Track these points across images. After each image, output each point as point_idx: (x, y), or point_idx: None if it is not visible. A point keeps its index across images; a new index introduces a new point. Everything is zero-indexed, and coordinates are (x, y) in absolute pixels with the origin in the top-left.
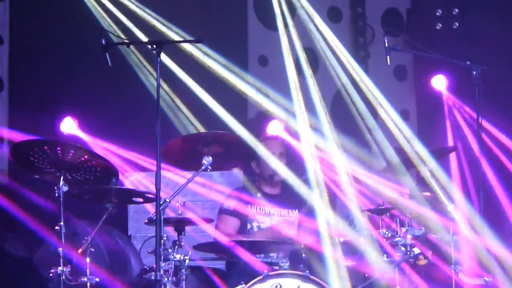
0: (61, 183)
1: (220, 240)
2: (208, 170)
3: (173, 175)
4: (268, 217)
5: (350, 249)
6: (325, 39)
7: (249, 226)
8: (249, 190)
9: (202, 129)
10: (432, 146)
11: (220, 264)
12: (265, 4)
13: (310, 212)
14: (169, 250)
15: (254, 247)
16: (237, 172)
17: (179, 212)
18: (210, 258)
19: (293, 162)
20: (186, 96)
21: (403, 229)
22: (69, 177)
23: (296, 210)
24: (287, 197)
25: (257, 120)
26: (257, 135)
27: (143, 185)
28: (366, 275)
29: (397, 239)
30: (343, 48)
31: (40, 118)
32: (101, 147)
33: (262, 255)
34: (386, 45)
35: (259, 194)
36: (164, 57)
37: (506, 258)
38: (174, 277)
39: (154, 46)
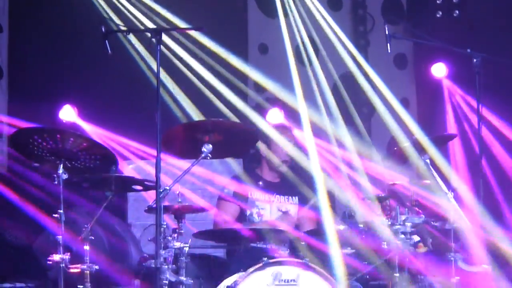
0: (60, 171)
1: (220, 227)
2: (208, 158)
3: (173, 163)
4: (268, 203)
5: (349, 237)
6: (325, 28)
7: (248, 213)
8: (249, 177)
9: (202, 117)
10: (432, 134)
11: (220, 252)
12: None
13: (315, 207)
14: (169, 238)
15: (254, 235)
16: (236, 160)
17: (179, 200)
18: (209, 246)
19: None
20: (186, 83)
21: (403, 217)
22: (69, 165)
23: (296, 197)
24: (287, 184)
25: (257, 108)
26: (258, 123)
27: (143, 173)
28: (366, 262)
29: (396, 226)
30: (344, 36)
31: (39, 106)
32: (100, 135)
33: (262, 243)
34: (387, 33)
35: (260, 182)
36: (164, 45)
37: (504, 246)
38: (174, 265)
39: (154, 34)
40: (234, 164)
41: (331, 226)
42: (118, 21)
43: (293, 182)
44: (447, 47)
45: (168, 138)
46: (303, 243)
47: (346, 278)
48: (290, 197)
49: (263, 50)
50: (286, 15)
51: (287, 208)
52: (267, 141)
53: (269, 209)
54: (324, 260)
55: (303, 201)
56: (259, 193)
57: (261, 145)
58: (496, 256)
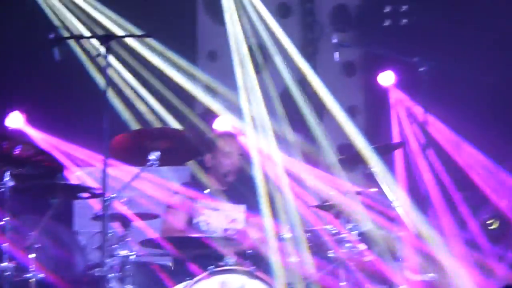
0: (7, 178)
1: (166, 236)
2: (156, 165)
3: (120, 171)
4: (215, 211)
5: (295, 245)
6: (274, 35)
7: (195, 221)
8: (197, 185)
9: (149, 125)
10: (379, 142)
11: (166, 260)
12: None
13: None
14: (115, 246)
15: (200, 243)
16: (185, 167)
17: (125, 208)
18: (156, 254)
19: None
20: (134, 91)
21: (349, 226)
22: (15, 172)
23: (243, 205)
24: (235, 192)
25: (205, 116)
26: (206, 131)
27: (89, 181)
28: (310, 271)
29: (342, 235)
30: (292, 43)
31: None
32: (48, 141)
33: (208, 252)
34: (335, 41)
35: (207, 190)
36: (112, 52)
37: (447, 255)
38: (119, 273)
39: (103, 41)
40: (183, 171)
41: (278, 234)
42: (66, 27)
43: (240, 190)
44: (394, 55)
45: (116, 145)
46: (250, 251)
47: (291, 286)
48: (237, 205)
49: (212, 57)
50: (235, 22)
51: (234, 216)
52: (212, 150)
53: (216, 217)
54: (270, 268)
55: (250, 208)
56: (207, 201)
57: (207, 154)
58: (437, 264)
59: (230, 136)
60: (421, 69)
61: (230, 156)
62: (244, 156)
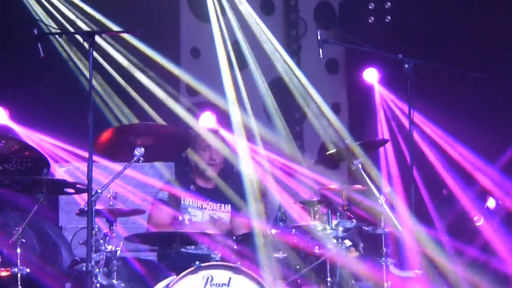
0: None
1: (152, 231)
2: (140, 161)
3: (105, 166)
4: (200, 210)
5: (281, 241)
6: (257, 32)
7: (181, 218)
8: (183, 182)
9: (134, 120)
10: (363, 139)
11: (152, 256)
12: None
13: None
14: (101, 241)
15: (186, 239)
16: (170, 164)
17: (111, 203)
18: (141, 250)
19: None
20: (118, 86)
21: (335, 222)
22: (0, 168)
23: (229, 205)
24: (220, 192)
25: (189, 112)
26: (190, 127)
27: (74, 176)
28: (297, 267)
29: (328, 231)
30: (276, 40)
31: None
32: (32, 137)
33: (193, 247)
34: (319, 38)
35: (192, 187)
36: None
37: (433, 251)
38: (105, 268)
39: (86, 37)
40: (164, 168)
41: (263, 231)
42: (50, 24)
43: (226, 189)
44: (378, 52)
45: (100, 141)
46: (235, 247)
47: (277, 282)
48: (223, 205)
49: (195, 54)
50: (218, 19)
51: (219, 216)
52: (193, 145)
53: (201, 215)
54: (256, 264)
55: (236, 209)
56: (192, 199)
57: (189, 150)
58: (426, 261)
59: (209, 131)
60: (406, 66)
61: (209, 150)
62: (227, 152)
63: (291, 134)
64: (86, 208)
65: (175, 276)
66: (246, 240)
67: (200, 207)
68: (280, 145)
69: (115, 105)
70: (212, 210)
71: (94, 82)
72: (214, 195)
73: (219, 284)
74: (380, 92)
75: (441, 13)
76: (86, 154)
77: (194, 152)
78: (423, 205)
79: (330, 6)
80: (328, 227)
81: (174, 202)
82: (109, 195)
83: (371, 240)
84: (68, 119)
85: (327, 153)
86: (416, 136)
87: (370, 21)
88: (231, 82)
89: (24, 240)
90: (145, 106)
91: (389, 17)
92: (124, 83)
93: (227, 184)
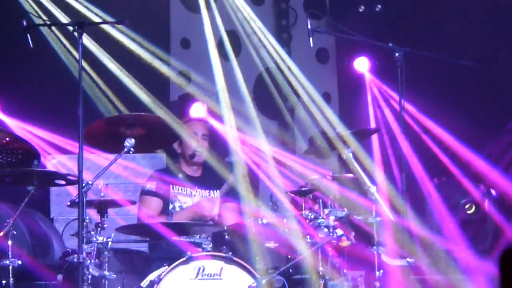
0: None
1: (143, 222)
2: (131, 152)
3: (96, 157)
4: (189, 197)
5: (272, 231)
6: (247, 22)
7: (171, 207)
8: (171, 172)
9: (124, 111)
10: (354, 128)
11: (143, 247)
12: None
13: (230, 192)
14: (92, 232)
15: (177, 229)
16: (160, 154)
17: (102, 194)
18: (133, 240)
19: (217, 145)
20: (108, 78)
21: (326, 211)
22: None
23: (218, 191)
24: (209, 178)
25: (179, 102)
26: (180, 117)
27: (65, 168)
28: (289, 256)
29: (319, 220)
30: (266, 30)
31: None
32: (23, 129)
33: (185, 237)
34: (309, 27)
35: (180, 175)
36: (86, 39)
37: (426, 239)
38: (96, 260)
39: (76, 28)
40: (157, 158)
41: (254, 220)
42: (40, 14)
43: (215, 175)
44: (369, 41)
45: (91, 132)
46: (227, 237)
47: (269, 272)
48: (211, 191)
49: (185, 44)
50: (208, 9)
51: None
52: (177, 137)
53: (191, 202)
54: (247, 253)
55: (225, 194)
56: (181, 187)
57: None
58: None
59: (196, 120)
60: (396, 54)
61: (195, 137)
62: (217, 139)
63: (283, 123)
64: (77, 200)
65: (166, 267)
66: (237, 228)
67: (190, 194)
68: (272, 134)
69: (106, 96)
70: (202, 196)
71: (83, 73)
72: (203, 182)
73: (211, 274)
74: (370, 81)
75: (432, 2)
76: (76, 146)
77: (180, 142)
78: (416, 193)
79: None
80: (319, 216)
81: (162, 191)
82: (100, 186)
83: (362, 229)
84: (58, 110)
85: (318, 142)
86: (406, 124)
87: (360, 10)
88: (222, 72)
89: (15, 232)
90: (136, 96)
91: (380, 6)
92: (114, 73)
93: (217, 173)
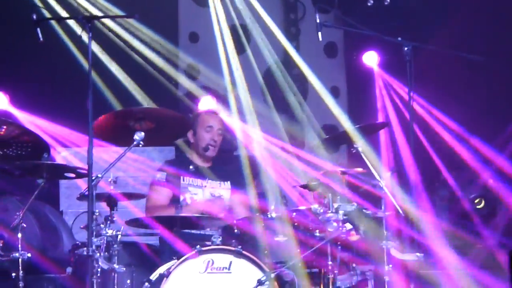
0: None
1: (152, 214)
2: (140, 145)
3: (105, 151)
4: (200, 189)
5: (282, 225)
6: (256, 16)
7: (182, 198)
8: (181, 163)
9: (133, 105)
10: (362, 123)
11: (153, 240)
12: None
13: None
14: (101, 225)
15: (186, 223)
16: (169, 148)
17: (111, 188)
18: (142, 234)
19: (225, 138)
20: (118, 72)
21: (335, 205)
22: (0, 153)
23: (228, 182)
24: (219, 169)
25: (188, 96)
26: (189, 111)
27: (75, 161)
28: (298, 250)
29: (329, 214)
30: (274, 24)
31: None
32: (32, 122)
33: (194, 230)
34: (317, 21)
35: (191, 167)
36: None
37: (437, 234)
38: (106, 253)
39: (85, 22)
40: (167, 151)
41: (264, 213)
42: (50, 8)
43: (224, 167)
44: (378, 35)
45: (100, 126)
46: (236, 230)
47: (278, 266)
48: (222, 182)
49: (194, 38)
50: (217, 3)
51: (219, 193)
52: (194, 126)
53: (201, 194)
54: (256, 247)
55: (235, 185)
56: (191, 178)
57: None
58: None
59: (211, 112)
60: (405, 49)
61: (210, 131)
62: (226, 133)
63: (291, 117)
64: (86, 193)
65: (176, 260)
66: (247, 222)
67: (200, 185)
68: (282, 128)
69: (116, 89)
70: (212, 188)
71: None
72: (213, 173)
73: (220, 267)
74: (379, 75)
75: None
76: (86, 139)
77: (194, 132)
78: (424, 186)
79: None
80: (329, 211)
81: (173, 180)
82: (109, 179)
83: (371, 223)
84: (68, 103)
85: (327, 136)
86: (415, 118)
87: (369, 4)
88: (231, 66)
89: (25, 225)
90: (146, 89)
91: (388, 0)
92: (124, 67)
93: (226, 162)
